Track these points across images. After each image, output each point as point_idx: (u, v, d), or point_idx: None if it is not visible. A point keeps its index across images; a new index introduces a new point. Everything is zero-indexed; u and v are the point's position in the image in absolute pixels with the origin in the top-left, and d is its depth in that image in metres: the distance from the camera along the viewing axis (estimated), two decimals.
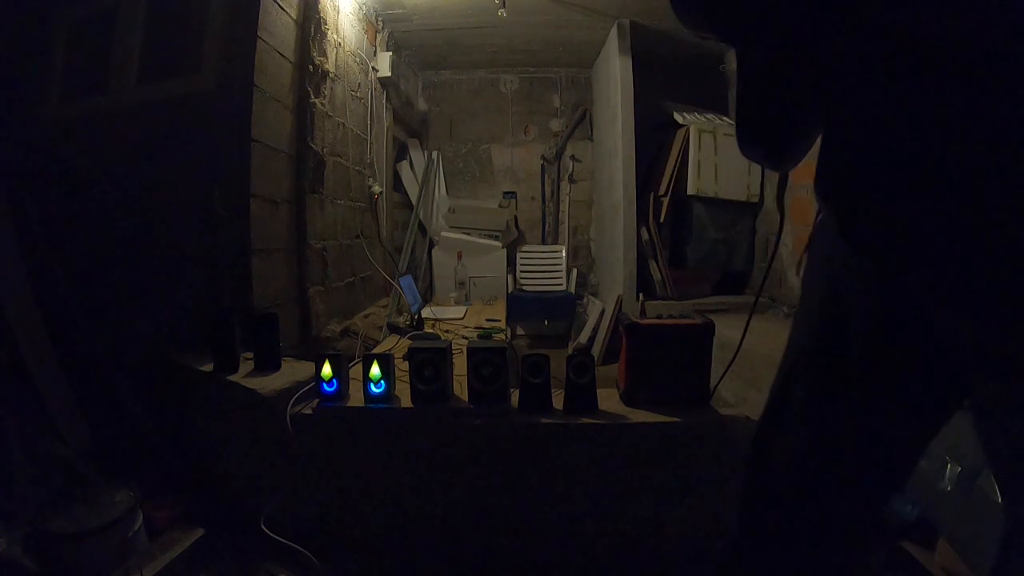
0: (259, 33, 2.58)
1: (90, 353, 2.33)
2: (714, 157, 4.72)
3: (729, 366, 1.84)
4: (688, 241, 4.91)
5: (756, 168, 4.83)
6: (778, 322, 4.17)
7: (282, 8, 2.81)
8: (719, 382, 1.92)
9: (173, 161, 2.52)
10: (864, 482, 0.98)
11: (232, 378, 2.09)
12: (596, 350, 4.87)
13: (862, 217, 0.76)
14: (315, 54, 3.14)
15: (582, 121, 6.40)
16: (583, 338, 5.21)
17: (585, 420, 1.89)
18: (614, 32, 4.94)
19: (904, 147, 0.68)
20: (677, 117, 5.04)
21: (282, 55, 2.83)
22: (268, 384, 2.03)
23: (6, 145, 2.45)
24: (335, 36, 3.49)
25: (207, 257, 2.51)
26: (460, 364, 2.10)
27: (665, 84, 5.30)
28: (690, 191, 4.75)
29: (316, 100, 3.16)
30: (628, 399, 1.98)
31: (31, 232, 2.33)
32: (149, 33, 2.72)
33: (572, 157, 6.47)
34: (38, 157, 2.51)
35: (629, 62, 4.84)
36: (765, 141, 0.94)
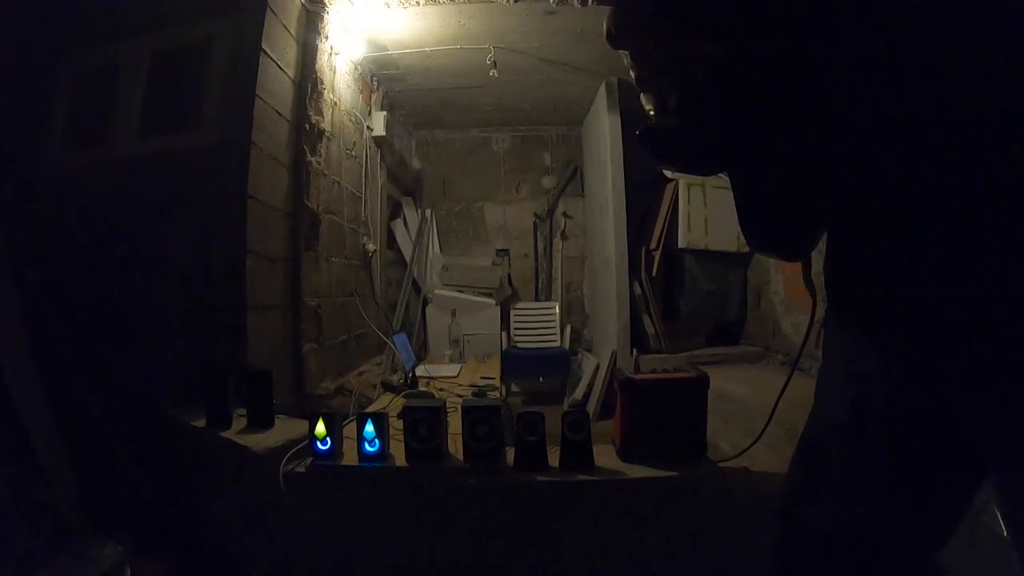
0: (258, 92, 2.64)
1: (82, 403, 2.31)
2: (704, 209, 4.80)
3: (760, 434, 1.80)
4: (681, 294, 4.94)
5: None
6: (773, 371, 4.17)
7: (280, 68, 2.88)
8: (750, 445, 1.88)
9: (171, 215, 2.55)
10: (900, 556, 0.96)
11: (225, 434, 2.07)
12: (591, 406, 4.83)
13: (862, 302, 0.78)
14: (311, 113, 3.21)
15: (573, 178, 6.50)
16: (578, 394, 5.17)
17: (581, 477, 1.87)
18: (602, 90, 5.07)
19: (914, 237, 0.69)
20: (666, 171, 5.12)
21: (279, 114, 2.90)
22: (261, 441, 2.01)
23: (6, 193, 2.47)
24: (331, 96, 3.57)
25: (202, 312, 2.51)
26: (455, 422, 2.08)
27: None
28: (681, 244, 4.80)
29: (312, 159, 3.22)
30: (624, 454, 1.96)
31: (28, 279, 2.33)
32: (151, 87, 2.79)
33: (564, 214, 6.55)
34: (38, 206, 2.53)
35: (618, 119, 4.95)
36: (773, 246, 0.93)
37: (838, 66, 0.68)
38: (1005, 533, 1.13)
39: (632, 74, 0.70)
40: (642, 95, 0.76)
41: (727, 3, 0.67)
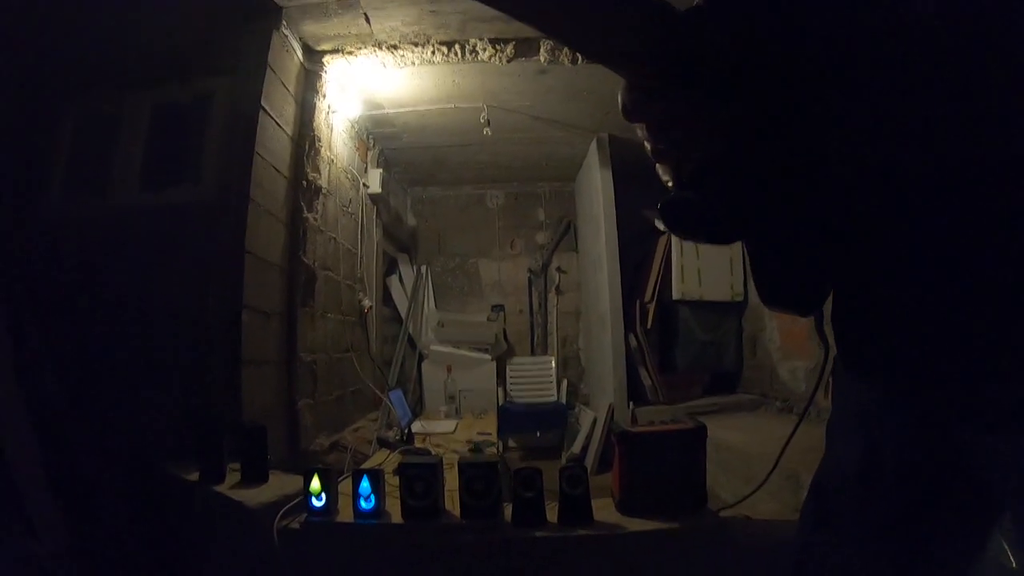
0: (257, 149, 2.70)
1: (74, 453, 2.28)
2: (696, 260, 4.84)
3: (763, 482, 1.79)
4: (676, 345, 4.95)
5: (739, 267, 4.94)
6: (772, 419, 4.15)
7: (279, 125, 2.95)
8: (751, 493, 1.86)
9: (169, 267, 2.56)
10: None
11: (218, 489, 2.05)
12: (589, 460, 4.78)
13: (871, 349, 0.78)
14: (309, 170, 3.27)
15: (567, 233, 6.57)
16: (576, 448, 5.11)
17: (581, 532, 1.84)
18: (594, 146, 5.17)
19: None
20: (658, 224, 5.17)
21: (277, 170, 2.95)
22: (255, 496, 1.98)
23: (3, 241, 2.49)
24: (328, 153, 3.64)
25: (198, 365, 2.50)
26: (452, 479, 2.06)
27: (645, 192, 5.46)
28: (675, 296, 4.83)
29: (309, 215, 3.26)
30: (624, 508, 1.93)
31: (22, 330, 2.32)
32: (152, 140, 2.85)
33: (558, 269, 6.59)
34: (35, 255, 2.54)
35: (609, 174, 5.03)
36: (790, 304, 0.95)
37: (852, 125, 0.70)
38: (1014, 564, 1.12)
39: (647, 146, 0.71)
40: (658, 166, 0.77)
41: (744, 73, 0.69)
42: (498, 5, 0.58)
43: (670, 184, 0.80)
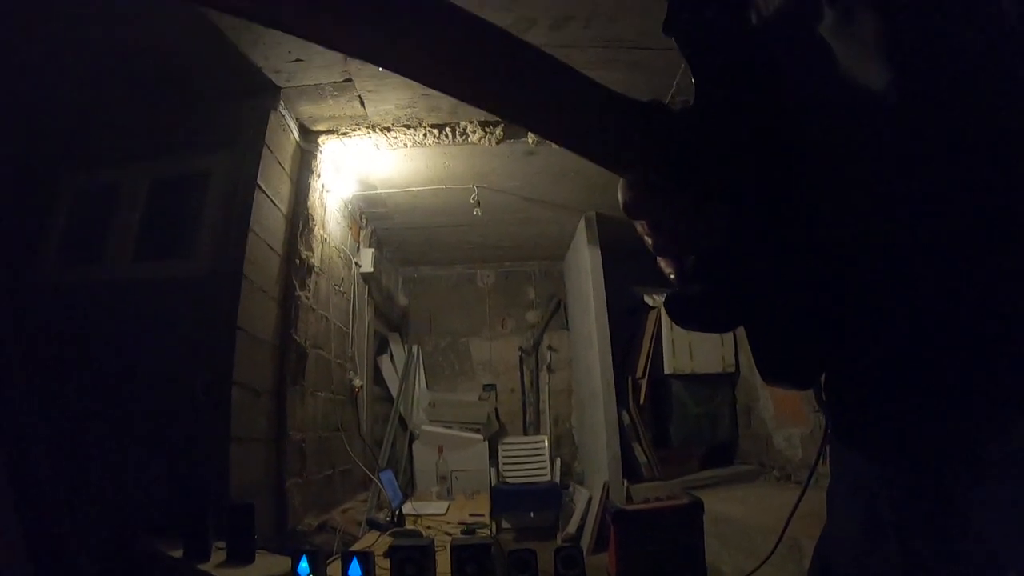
0: (251, 226, 2.75)
1: (57, 532, 2.20)
2: (687, 335, 4.86)
3: (768, 556, 1.75)
4: (670, 420, 4.91)
5: (729, 339, 4.97)
6: (770, 488, 4.09)
7: (274, 203, 3.01)
8: (757, 568, 1.82)
9: (159, 341, 2.55)
10: None
11: (203, 567, 2.00)
12: (585, 540, 4.66)
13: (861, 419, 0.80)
14: (302, 248, 3.32)
15: (557, 311, 6.61)
16: (571, 528, 4.99)
17: None
18: (582, 224, 5.27)
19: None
20: (648, 300, 5.24)
21: (271, 248, 2.99)
22: None
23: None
24: (321, 232, 3.70)
25: (185, 441, 2.47)
26: (444, 561, 2.02)
27: (634, 269, 5.53)
28: (667, 370, 4.83)
29: (301, 293, 3.28)
30: None
31: (9, 394, 2.29)
32: (148, 213, 2.88)
33: (549, 347, 6.59)
34: (26, 322, 2.52)
35: (598, 251, 5.11)
36: (790, 380, 0.97)
37: (841, 206, 0.73)
38: None
39: (648, 241, 0.74)
40: (659, 260, 0.80)
41: (746, 171, 0.72)
42: (493, 110, 0.62)
43: (672, 277, 0.83)
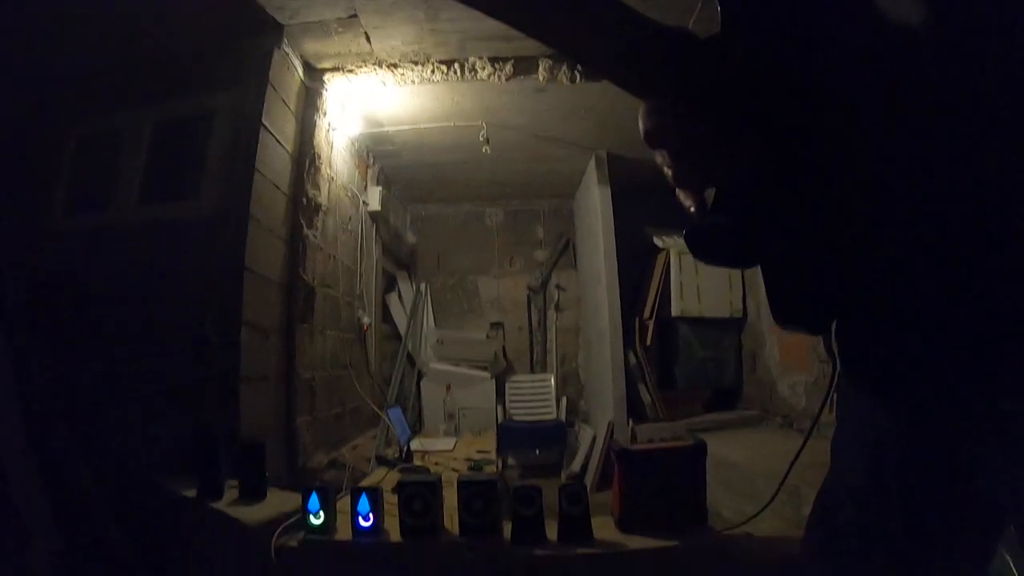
0: (257, 166, 2.71)
1: (71, 470, 2.26)
2: (696, 278, 4.85)
3: (769, 502, 1.77)
4: (676, 362, 4.95)
5: (738, 284, 4.95)
6: (773, 434, 4.14)
7: (279, 143, 2.96)
8: (756, 514, 1.84)
9: (168, 283, 2.56)
10: None
11: (216, 506, 2.04)
12: (589, 477, 4.76)
13: (875, 365, 0.78)
14: (309, 188, 3.28)
15: (566, 250, 6.58)
16: (576, 466, 5.09)
17: (580, 550, 1.83)
18: (592, 163, 5.19)
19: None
20: (657, 241, 5.20)
21: (277, 187, 2.96)
22: (253, 514, 1.97)
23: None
24: (328, 171, 3.66)
25: (196, 382, 2.50)
26: (450, 497, 2.05)
27: (644, 210, 5.48)
28: (674, 313, 4.84)
29: (308, 232, 3.26)
30: (624, 526, 1.92)
31: (19, 343, 2.31)
32: (152, 157, 2.87)
33: (557, 286, 6.59)
34: (33, 270, 2.54)
35: (608, 191, 5.05)
36: (804, 324, 0.94)
37: (859, 146, 0.70)
38: None
39: (668, 172, 0.71)
40: (679, 192, 0.76)
41: (764, 96, 0.68)
42: (523, 29, 0.59)
43: (692, 210, 0.80)
